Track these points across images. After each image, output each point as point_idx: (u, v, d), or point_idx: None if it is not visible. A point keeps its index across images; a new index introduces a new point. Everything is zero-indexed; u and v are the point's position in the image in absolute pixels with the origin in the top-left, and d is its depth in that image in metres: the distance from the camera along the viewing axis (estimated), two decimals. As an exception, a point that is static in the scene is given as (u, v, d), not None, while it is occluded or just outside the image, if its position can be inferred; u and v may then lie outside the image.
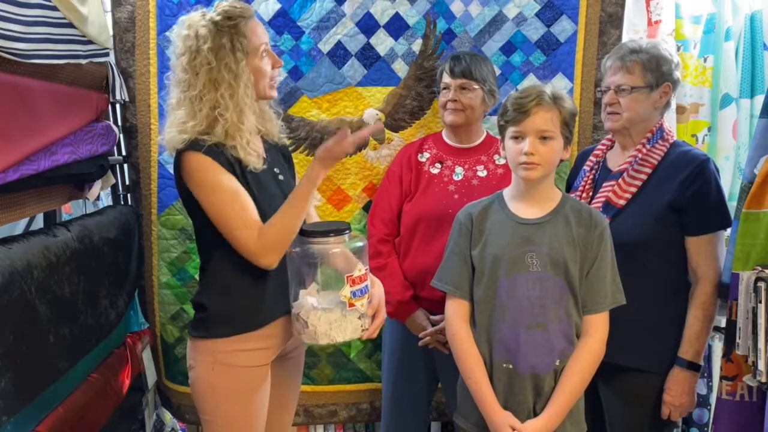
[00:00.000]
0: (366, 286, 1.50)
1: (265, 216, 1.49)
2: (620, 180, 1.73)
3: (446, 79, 1.97)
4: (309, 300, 1.50)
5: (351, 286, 1.48)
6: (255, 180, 1.51)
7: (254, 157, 1.51)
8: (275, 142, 1.69)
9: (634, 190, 1.71)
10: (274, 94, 1.60)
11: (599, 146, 1.89)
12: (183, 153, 1.47)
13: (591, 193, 1.81)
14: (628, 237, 1.62)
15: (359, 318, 1.50)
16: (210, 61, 1.45)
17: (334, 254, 1.50)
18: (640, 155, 1.72)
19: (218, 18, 1.47)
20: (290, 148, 1.95)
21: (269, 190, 1.56)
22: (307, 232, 1.51)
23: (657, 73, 1.69)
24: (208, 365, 1.53)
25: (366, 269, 1.51)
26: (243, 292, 1.52)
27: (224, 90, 1.46)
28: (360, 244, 1.54)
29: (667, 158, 1.70)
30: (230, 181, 1.46)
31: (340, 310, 1.48)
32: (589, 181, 1.84)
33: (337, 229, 1.51)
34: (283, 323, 1.57)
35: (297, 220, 1.48)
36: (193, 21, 1.49)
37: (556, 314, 1.48)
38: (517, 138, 1.48)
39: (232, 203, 1.46)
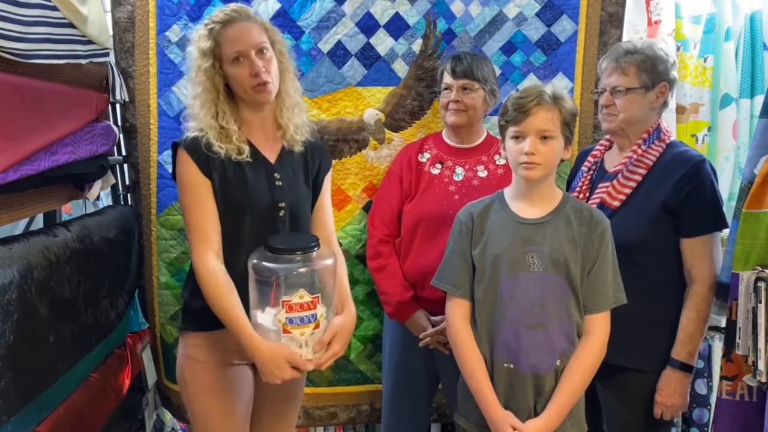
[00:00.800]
0: (313, 314, 1.40)
1: (239, 208, 1.53)
2: (614, 181, 1.73)
3: (447, 79, 1.96)
4: (258, 316, 1.43)
5: (287, 312, 1.37)
6: (236, 168, 1.54)
7: (225, 145, 1.53)
8: (292, 149, 1.65)
9: (628, 191, 1.70)
10: (260, 98, 1.54)
11: (597, 146, 1.88)
12: (175, 147, 1.56)
13: (588, 194, 1.81)
14: (622, 238, 1.61)
15: (299, 347, 1.40)
16: (198, 62, 1.54)
17: (299, 274, 1.40)
18: (635, 156, 1.71)
19: (206, 20, 1.56)
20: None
21: (251, 187, 1.55)
22: (271, 248, 1.41)
23: (652, 74, 1.68)
24: (182, 357, 1.62)
25: (314, 297, 1.40)
26: None
27: (206, 87, 1.54)
28: (327, 262, 1.44)
29: (663, 159, 1.70)
30: (201, 187, 1.51)
31: (276, 334, 1.41)
32: (586, 182, 1.83)
33: (305, 247, 1.42)
34: None
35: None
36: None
37: (557, 314, 1.48)
38: (517, 138, 1.48)
39: (195, 204, 1.52)
